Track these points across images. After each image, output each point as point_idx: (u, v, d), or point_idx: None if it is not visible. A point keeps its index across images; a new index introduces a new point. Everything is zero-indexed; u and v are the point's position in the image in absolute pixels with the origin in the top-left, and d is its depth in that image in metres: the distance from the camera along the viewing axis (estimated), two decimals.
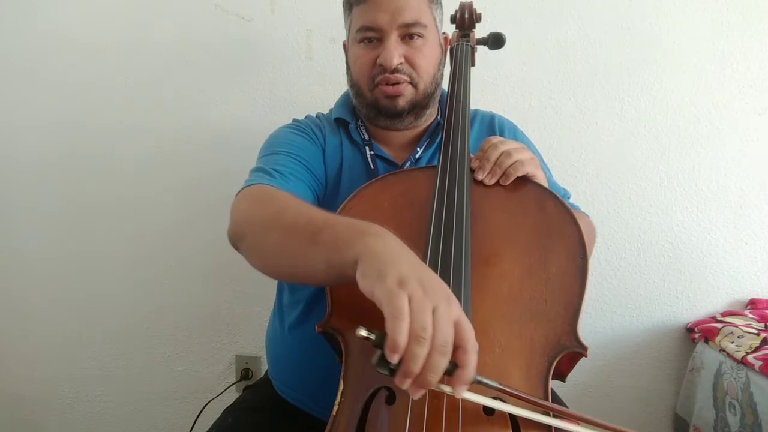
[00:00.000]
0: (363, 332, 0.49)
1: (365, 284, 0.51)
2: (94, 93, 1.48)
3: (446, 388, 0.51)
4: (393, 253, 0.53)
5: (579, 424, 0.56)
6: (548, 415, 0.56)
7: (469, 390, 0.53)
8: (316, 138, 0.97)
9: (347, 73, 0.99)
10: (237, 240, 0.74)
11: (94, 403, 1.60)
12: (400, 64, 0.89)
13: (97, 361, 1.57)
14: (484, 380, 0.53)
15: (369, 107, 0.95)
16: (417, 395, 0.50)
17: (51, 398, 1.60)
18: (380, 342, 0.48)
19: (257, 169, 0.86)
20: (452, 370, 0.50)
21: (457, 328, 0.50)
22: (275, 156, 0.89)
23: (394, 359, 0.47)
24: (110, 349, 1.57)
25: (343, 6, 0.96)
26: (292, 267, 0.66)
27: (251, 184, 0.80)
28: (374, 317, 0.49)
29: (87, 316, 1.55)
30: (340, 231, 0.59)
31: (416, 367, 0.47)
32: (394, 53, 0.88)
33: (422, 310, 0.48)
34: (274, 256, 0.68)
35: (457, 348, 0.50)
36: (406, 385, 0.49)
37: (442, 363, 0.48)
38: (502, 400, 0.56)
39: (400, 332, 0.47)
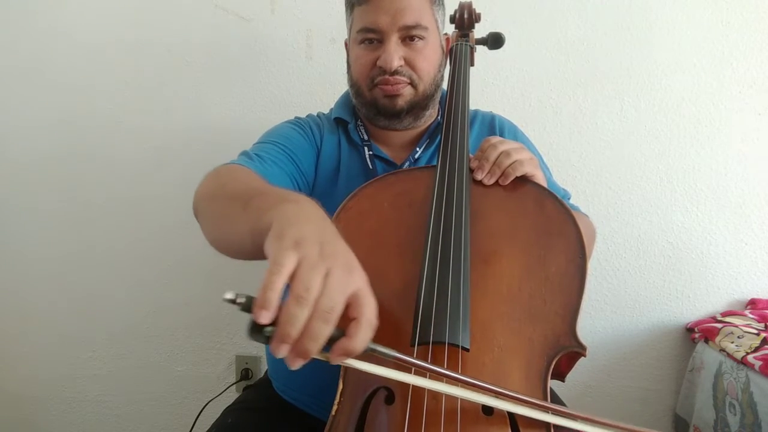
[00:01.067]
0: (229, 295, 0.43)
1: (266, 246, 0.48)
2: (94, 93, 1.48)
3: (322, 356, 0.47)
4: (301, 216, 0.51)
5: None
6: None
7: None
8: (313, 136, 0.97)
9: (348, 72, 0.99)
10: (195, 213, 0.76)
11: (94, 403, 1.60)
12: (400, 66, 0.89)
13: (97, 361, 1.58)
14: (379, 348, 0.48)
15: (368, 107, 0.95)
16: (295, 365, 0.45)
17: (51, 398, 1.61)
18: (250, 306, 0.43)
19: (242, 153, 0.87)
20: (338, 338, 0.45)
21: (354, 300, 0.46)
22: (263, 144, 0.90)
23: (262, 318, 0.42)
24: (110, 349, 1.57)
25: (345, 5, 0.96)
26: (226, 236, 0.66)
27: (224, 164, 0.81)
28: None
29: (87, 316, 1.55)
30: (267, 198, 0.57)
31: (294, 330, 0.42)
32: (394, 56, 0.88)
33: (312, 271, 0.44)
34: (214, 225, 0.69)
35: (351, 320, 0.46)
36: (282, 352, 0.43)
37: (323, 330, 0.43)
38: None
39: (270, 286, 0.42)
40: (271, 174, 0.82)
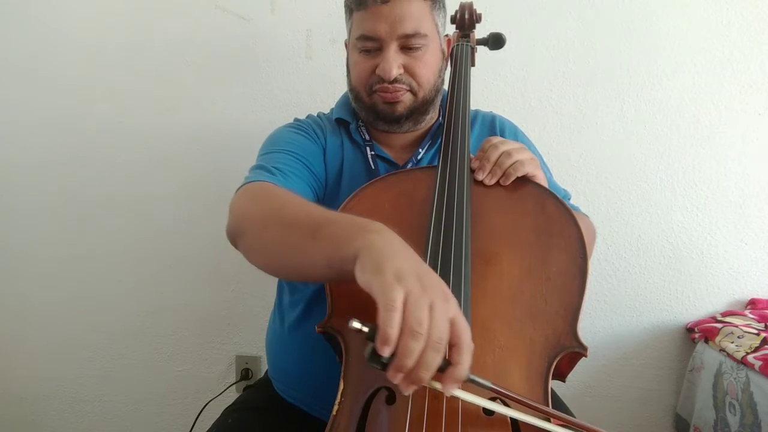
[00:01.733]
0: (356, 324, 0.48)
1: (363, 279, 0.51)
2: (94, 93, 1.48)
3: (437, 385, 0.51)
4: (392, 248, 0.53)
5: (577, 430, 0.56)
6: (547, 420, 0.56)
7: (467, 390, 0.53)
8: (317, 138, 0.97)
9: (347, 75, 0.98)
10: (236, 237, 0.74)
11: (94, 403, 1.60)
12: (399, 74, 0.88)
13: (97, 361, 1.57)
14: (478, 379, 0.52)
15: (368, 111, 0.95)
16: (408, 391, 0.49)
17: (51, 398, 1.61)
18: (373, 335, 0.48)
19: (257, 167, 0.85)
20: (445, 367, 0.50)
21: (452, 326, 0.50)
22: (276, 154, 0.89)
23: (384, 352, 0.47)
24: (110, 349, 1.57)
25: (345, 7, 0.95)
26: (291, 264, 0.66)
27: (251, 181, 0.80)
28: (375, 316, 0.49)
29: (87, 316, 1.55)
30: (340, 227, 0.59)
31: (410, 362, 0.47)
32: (393, 64, 0.87)
33: (419, 305, 0.48)
34: (273, 252, 0.68)
35: (452, 346, 0.50)
36: (398, 380, 0.48)
37: (436, 360, 0.48)
38: (503, 402, 0.56)
39: (391, 324, 0.46)
40: (297, 187, 0.82)
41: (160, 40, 1.45)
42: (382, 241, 0.54)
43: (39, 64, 1.48)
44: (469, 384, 0.52)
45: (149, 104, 1.48)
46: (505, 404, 0.56)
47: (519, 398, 0.55)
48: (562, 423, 0.56)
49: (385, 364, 0.48)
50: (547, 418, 0.56)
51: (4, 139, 1.52)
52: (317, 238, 0.60)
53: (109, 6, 1.45)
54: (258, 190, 0.77)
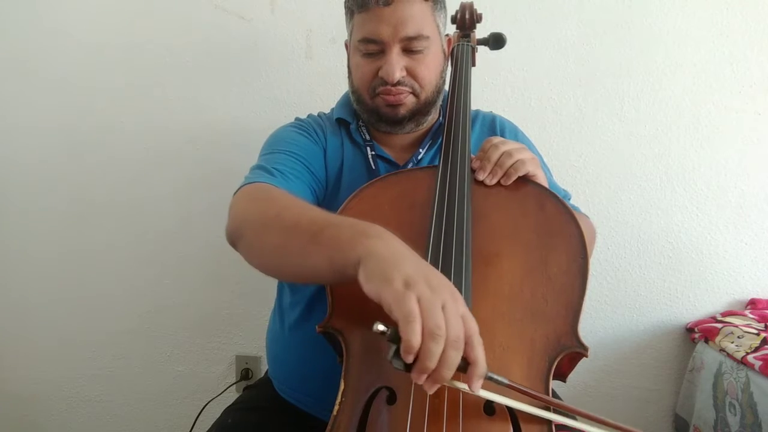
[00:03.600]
0: (380, 327, 0.50)
1: (371, 288, 0.52)
2: (94, 93, 1.48)
3: (461, 385, 0.53)
4: (396, 254, 0.54)
5: (577, 418, 0.56)
6: (548, 409, 0.57)
7: (487, 389, 0.54)
8: (318, 138, 0.97)
9: (348, 76, 0.98)
10: (235, 238, 0.74)
11: (94, 403, 1.60)
12: (402, 77, 0.88)
13: (97, 361, 1.57)
14: (495, 377, 0.54)
15: (370, 113, 0.94)
16: (432, 390, 0.51)
17: (51, 398, 1.61)
18: (395, 337, 0.49)
19: (258, 167, 0.85)
20: (464, 366, 0.51)
21: (463, 322, 0.51)
22: (277, 154, 0.89)
23: (409, 359, 0.49)
24: (110, 349, 1.57)
25: (345, 8, 0.94)
26: (291, 267, 0.66)
27: (250, 182, 0.79)
28: (376, 316, 0.50)
29: (87, 316, 1.55)
30: (341, 231, 0.59)
31: (432, 364, 0.48)
32: (396, 67, 0.87)
33: (433, 309, 0.49)
34: (274, 255, 0.68)
35: (465, 344, 0.51)
36: (422, 380, 0.50)
37: (456, 358, 0.50)
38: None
39: (413, 334, 0.48)
40: (296, 189, 0.82)
41: (160, 40, 1.45)
42: (385, 246, 0.55)
43: (39, 64, 1.48)
44: (488, 382, 0.53)
45: (149, 104, 1.48)
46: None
47: (534, 393, 0.56)
48: (561, 410, 0.57)
49: (408, 366, 0.50)
50: (548, 407, 0.57)
51: (4, 139, 1.52)
52: (318, 242, 0.60)
53: (109, 6, 1.45)
54: (257, 192, 0.77)
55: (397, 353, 0.49)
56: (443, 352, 0.49)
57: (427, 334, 0.48)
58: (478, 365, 0.51)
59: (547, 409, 0.57)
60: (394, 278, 0.51)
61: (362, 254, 0.54)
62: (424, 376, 0.49)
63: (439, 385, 0.51)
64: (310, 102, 1.42)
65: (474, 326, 0.52)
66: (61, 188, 1.52)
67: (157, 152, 1.49)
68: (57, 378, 1.59)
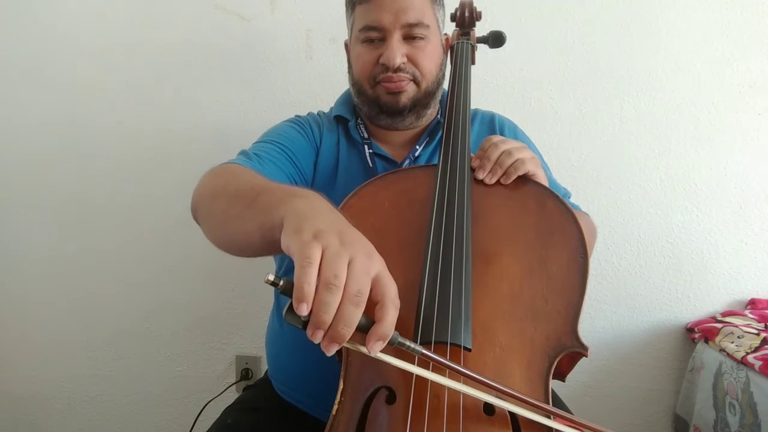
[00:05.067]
0: (270, 277, 0.46)
1: (284, 241, 0.50)
2: (94, 93, 1.48)
3: (362, 348, 0.49)
4: (314, 210, 0.53)
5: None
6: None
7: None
8: (312, 135, 0.97)
9: (348, 72, 0.99)
10: (194, 213, 0.76)
11: (94, 403, 1.60)
12: (403, 63, 0.89)
13: (96, 361, 1.57)
14: (407, 342, 0.50)
15: (371, 105, 0.95)
16: (330, 351, 0.47)
17: (51, 398, 1.60)
18: (288, 289, 0.46)
19: (240, 152, 0.87)
20: (368, 326, 0.48)
21: (376, 282, 0.48)
22: (262, 143, 0.90)
23: (301, 310, 0.44)
24: (110, 350, 1.57)
25: (346, 5, 0.96)
26: (232, 233, 0.66)
27: (223, 163, 0.81)
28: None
29: (87, 316, 1.55)
30: (272, 195, 0.58)
31: (327, 316, 0.45)
32: (397, 53, 0.88)
33: (336, 258, 0.46)
34: (219, 223, 0.69)
35: (376, 303, 0.48)
36: (318, 337, 0.46)
37: (355, 314, 0.46)
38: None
39: (306, 279, 0.44)
40: (270, 173, 0.82)
41: (160, 40, 1.45)
42: (307, 203, 0.54)
43: (40, 64, 1.48)
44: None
45: (149, 104, 1.48)
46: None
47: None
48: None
49: (304, 323, 0.46)
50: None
51: (4, 139, 1.52)
52: (253, 207, 0.59)
53: (110, 6, 1.45)
54: (221, 169, 0.78)
55: (291, 308, 0.45)
56: (340, 305, 0.45)
57: (322, 283, 0.45)
58: (382, 324, 0.47)
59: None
60: (305, 229, 0.48)
61: (285, 213, 0.52)
62: (320, 333, 0.46)
63: (338, 346, 0.47)
64: (310, 102, 1.42)
65: (390, 287, 0.49)
66: (61, 188, 1.52)
67: (157, 152, 1.49)
68: (57, 378, 1.59)
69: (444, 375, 0.54)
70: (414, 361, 0.53)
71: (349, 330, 0.46)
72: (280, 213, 0.53)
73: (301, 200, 0.54)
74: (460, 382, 0.54)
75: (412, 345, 0.50)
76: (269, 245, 0.55)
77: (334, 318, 0.45)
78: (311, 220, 0.50)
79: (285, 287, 0.46)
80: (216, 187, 0.72)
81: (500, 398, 0.55)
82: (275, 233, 0.52)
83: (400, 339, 0.50)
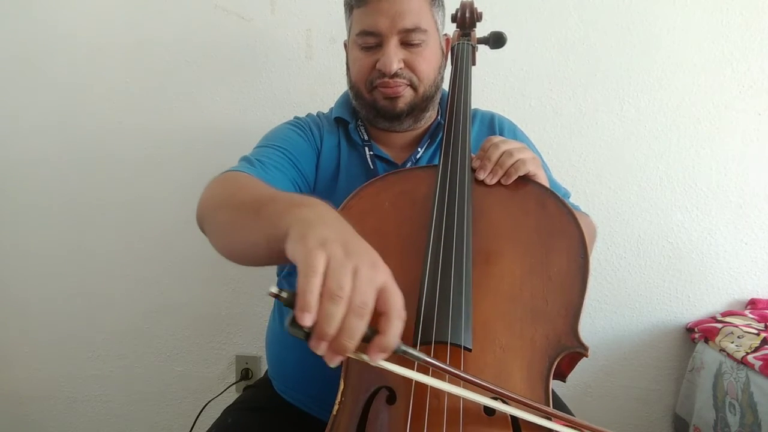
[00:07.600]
0: (273, 289, 0.46)
1: (289, 248, 0.49)
2: (94, 93, 1.48)
3: (364, 357, 0.48)
4: (320, 218, 0.52)
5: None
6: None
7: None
8: (313, 137, 0.97)
9: (347, 73, 0.99)
10: (200, 223, 0.75)
11: (94, 403, 1.60)
12: (400, 68, 0.89)
13: (96, 361, 1.57)
14: (410, 350, 0.49)
15: (368, 108, 0.95)
16: (333, 363, 0.46)
17: (51, 398, 1.60)
18: (291, 301, 0.45)
19: (242, 158, 0.87)
20: (372, 336, 0.47)
21: (382, 293, 0.47)
22: (264, 148, 0.90)
23: (305, 320, 0.43)
24: (110, 349, 1.57)
25: (344, 6, 0.95)
26: (238, 243, 0.66)
27: (227, 171, 0.80)
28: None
29: (87, 315, 1.55)
30: (279, 205, 0.58)
31: (331, 329, 0.44)
32: (394, 59, 0.87)
33: (340, 269, 0.45)
34: (225, 234, 0.69)
35: (381, 314, 0.48)
36: (321, 349, 0.45)
37: (359, 327, 0.45)
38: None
39: (309, 289, 0.44)
40: (274, 179, 0.82)
41: (159, 40, 1.45)
42: (313, 212, 0.53)
43: (39, 64, 1.48)
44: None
45: (149, 104, 1.48)
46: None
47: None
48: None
49: (308, 334, 0.45)
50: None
51: (4, 139, 1.52)
52: (259, 217, 0.59)
53: (109, 6, 1.45)
54: (226, 178, 0.78)
55: (295, 319, 0.44)
56: (344, 318, 0.44)
57: (326, 294, 0.44)
58: (384, 337, 0.47)
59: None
60: (309, 237, 0.47)
61: (290, 222, 0.51)
62: (324, 345, 0.45)
63: (341, 358, 0.46)
64: (310, 102, 1.42)
65: (395, 298, 0.48)
66: (61, 188, 1.52)
67: (157, 152, 1.49)
68: (57, 378, 1.59)
69: (444, 379, 0.54)
70: (414, 365, 0.53)
71: (353, 343, 0.45)
72: (286, 223, 0.52)
73: (306, 209, 0.54)
74: (459, 386, 0.54)
75: (414, 352, 0.50)
76: (276, 256, 0.55)
77: (338, 330, 0.44)
78: (316, 229, 0.49)
79: (288, 299, 0.45)
80: (221, 197, 0.72)
81: (500, 401, 0.55)
82: (281, 244, 0.51)
83: (403, 347, 0.49)
